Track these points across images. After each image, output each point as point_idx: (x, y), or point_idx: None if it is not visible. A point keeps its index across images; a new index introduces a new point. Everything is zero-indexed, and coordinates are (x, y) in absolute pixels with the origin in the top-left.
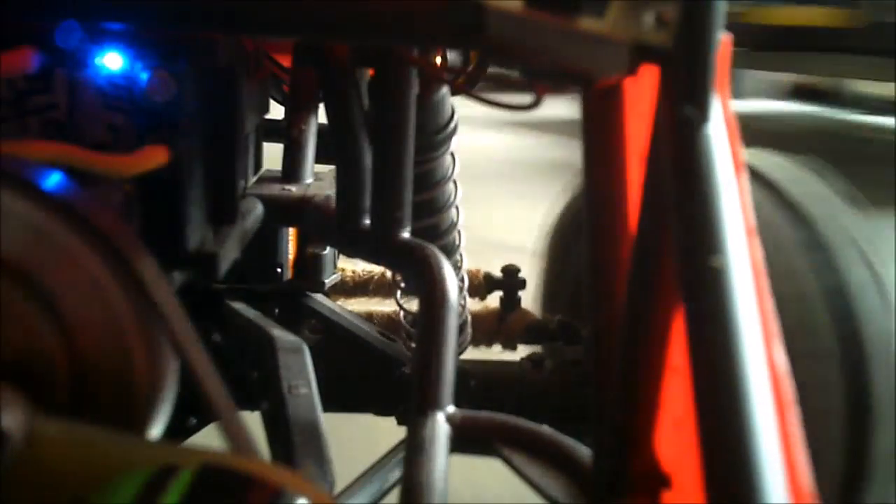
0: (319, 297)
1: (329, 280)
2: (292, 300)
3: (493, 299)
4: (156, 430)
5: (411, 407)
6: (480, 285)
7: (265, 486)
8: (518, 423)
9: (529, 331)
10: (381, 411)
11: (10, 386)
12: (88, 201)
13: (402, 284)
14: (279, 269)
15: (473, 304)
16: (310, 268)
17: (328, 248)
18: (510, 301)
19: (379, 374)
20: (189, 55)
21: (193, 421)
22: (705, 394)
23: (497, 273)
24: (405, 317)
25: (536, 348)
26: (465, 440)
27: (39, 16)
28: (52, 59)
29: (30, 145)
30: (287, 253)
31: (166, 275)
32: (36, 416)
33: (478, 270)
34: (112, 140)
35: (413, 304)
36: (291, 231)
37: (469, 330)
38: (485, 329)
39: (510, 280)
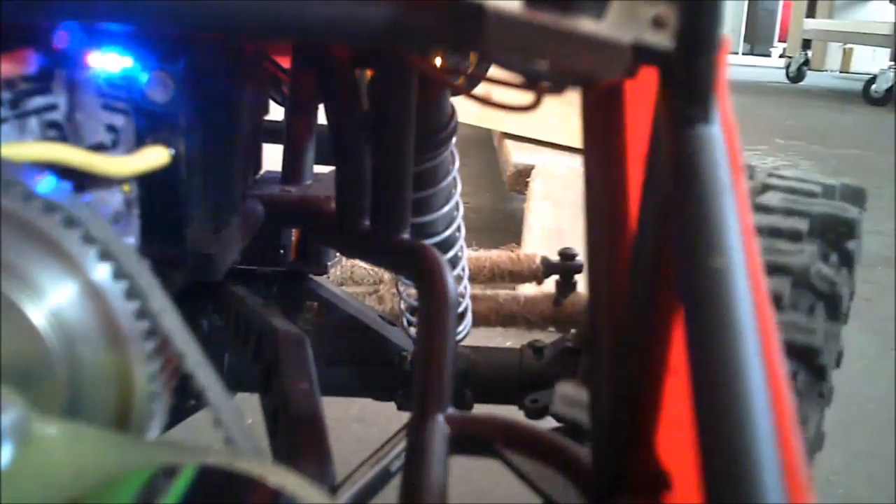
0: (321, 279)
1: (331, 264)
2: (294, 283)
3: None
4: (155, 431)
5: (411, 403)
6: (538, 269)
7: (265, 487)
8: (518, 424)
9: None
10: (381, 396)
11: (11, 387)
12: (88, 207)
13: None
14: (282, 252)
15: (529, 288)
16: (312, 251)
17: None
18: (567, 285)
19: (379, 359)
20: (188, 55)
21: (192, 402)
22: (704, 394)
23: (554, 257)
24: (404, 302)
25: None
26: (465, 441)
27: (39, 17)
28: (51, 60)
29: (29, 146)
30: (290, 235)
31: (165, 276)
32: (36, 416)
33: (534, 254)
34: (112, 140)
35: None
36: None
37: (469, 317)
38: (540, 312)
39: (567, 264)
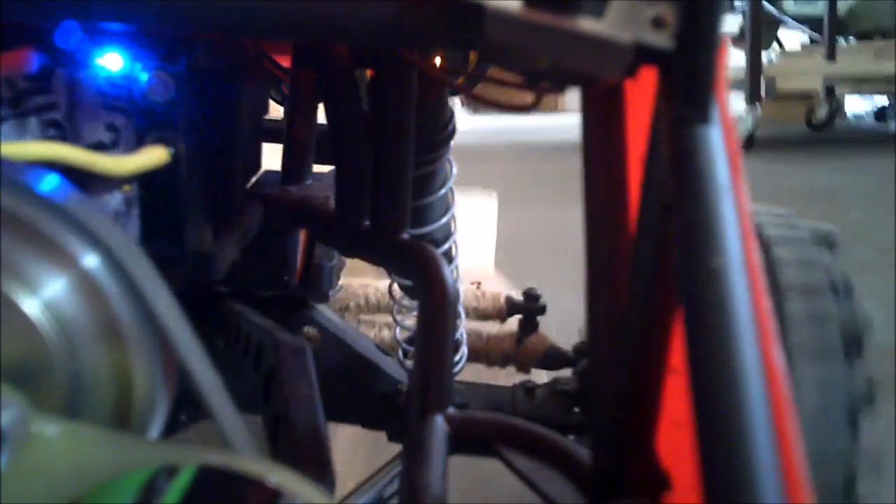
0: (321, 307)
1: (332, 291)
2: (295, 309)
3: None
4: (155, 431)
5: (411, 411)
6: (501, 308)
7: (265, 487)
8: (518, 424)
9: (547, 356)
10: (371, 425)
11: (10, 386)
12: (86, 202)
13: (398, 300)
14: (286, 278)
15: (492, 326)
16: (314, 278)
17: (334, 260)
18: (529, 325)
19: (371, 388)
20: (189, 55)
21: (183, 417)
22: (703, 394)
23: (518, 297)
24: (401, 333)
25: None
26: (465, 441)
27: (39, 16)
28: (52, 59)
29: (29, 145)
30: (296, 261)
31: (165, 275)
32: (35, 416)
33: (499, 293)
34: (112, 140)
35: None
36: (301, 240)
37: (465, 349)
38: (502, 351)
39: (531, 304)
